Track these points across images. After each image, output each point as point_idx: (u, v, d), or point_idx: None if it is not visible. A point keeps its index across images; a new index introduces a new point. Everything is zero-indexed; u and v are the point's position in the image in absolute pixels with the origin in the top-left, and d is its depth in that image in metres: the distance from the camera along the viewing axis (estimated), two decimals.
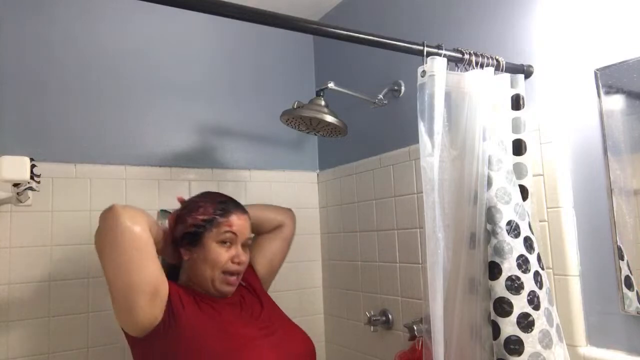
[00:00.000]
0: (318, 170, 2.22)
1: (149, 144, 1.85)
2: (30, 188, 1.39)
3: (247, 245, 1.31)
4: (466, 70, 1.18)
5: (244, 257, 1.26)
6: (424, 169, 1.07)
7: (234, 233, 1.25)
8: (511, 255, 1.06)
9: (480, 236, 1.10)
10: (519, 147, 1.20)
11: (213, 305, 1.22)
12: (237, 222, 1.26)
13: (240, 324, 1.22)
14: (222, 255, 1.23)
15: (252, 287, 1.40)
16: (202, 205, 1.28)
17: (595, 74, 1.15)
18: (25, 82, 1.67)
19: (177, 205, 1.36)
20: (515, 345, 1.03)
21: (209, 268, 1.23)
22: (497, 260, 1.07)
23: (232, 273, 1.24)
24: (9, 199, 1.41)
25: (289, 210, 1.61)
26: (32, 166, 1.29)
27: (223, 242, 1.24)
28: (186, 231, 1.25)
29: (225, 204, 1.29)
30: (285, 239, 1.55)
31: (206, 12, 0.97)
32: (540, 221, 1.23)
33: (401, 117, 1.72)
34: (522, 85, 1.24)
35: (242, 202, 1.36)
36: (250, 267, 1.45)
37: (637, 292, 1.08)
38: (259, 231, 1.50)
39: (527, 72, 1.28)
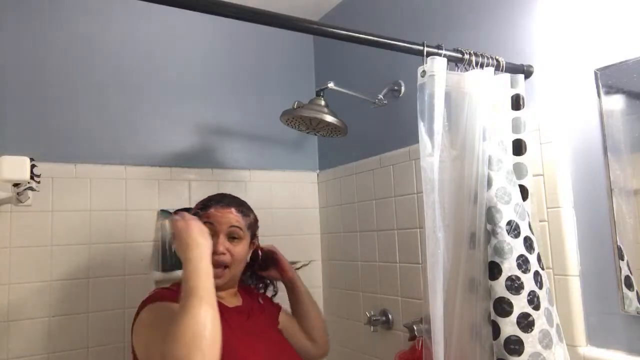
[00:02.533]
0: (318, 170, 2.22)
1: (149, 144, 1.85)
2: (30, 188, 1.39)
3: (238, 238, 1.28)
4: (466, 70, 1.18)
5: (222, 247, 1.23)
6: (424, 169, 1.07)
7: (210, 223, 1.24)
8: (511, 255, 1.06)
9: (480, 236, 1.10)
10: (519, 147, 1.20)
11: (222, 313, 1.12)
12: (215, 213, 1.26)
13: (242, 335, 1.19)
14: None
15: (269, 311, 1.39)
16: (197, 203, 1.33)
17: (595, 74, 1.15)
18: (25, 82, 1.67)
19: (177, 205, 1.37)
20: (515, 345, 1.03)
21: None
22: (497, 260, 1.07)
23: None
24: (9, 199, 1.41)
25: (328, 343, 1.53)
26: (32, 166, 1.29)
27: None
28: None
29: (210, 200, 1.31)
30: (306, 352, 1.44)
31: (206, 12, 0.97)
32: (540, 221, 1.23)
33: (401, 117, 1.72)
34: (522, 85, 1.24)
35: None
36: (277, 308, 1.44)
37: (637, 292, 1.08)
38: (299, 319, 1.47)
39: (527, 72, 1.28)
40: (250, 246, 1.35)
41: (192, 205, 1.37)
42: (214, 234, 1.23)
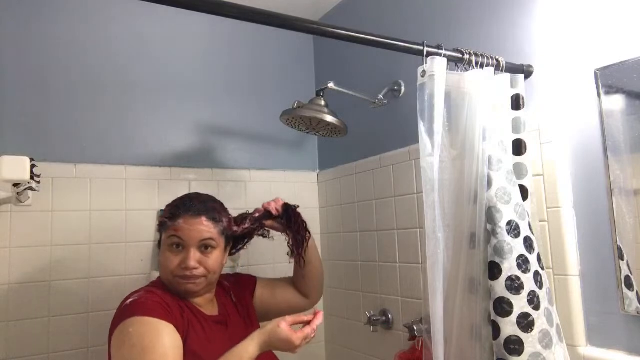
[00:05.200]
0: (318, 170, 2.22)
1: (149, 144, 1.85)
2: (30, 188, 1.39)
3: (211, 247, 1.21)
4: (466, 70, 1.18)
5: (193, 262, 1.16)
6: (424, 169, 1.07)
7: (179, 237, 1.18)
8: (511, 255, 1.06)
9: (480, 236, 1.10)
10: (519, 147, 1.20)
11: (203, 324, 1.18)
12: (184, 227, 1.18)
13: (224, 347, 1.14)
14: (170, 261, 1.18)
15: (244, 307, 1.36)
16: (166, 207, 1.26)
17: (595, 74, 1.15)
18: (25, 82, 1.67)
19: None
20: (515, 345, 1.03)
21: (163, 271, 1.20)
22: (497, 260, 1.07)
23: (183, 277, 1.17)
24: (9, 199, 1.41)
25: (321, 294, 1.55)
26: (32, 166, 1.29)
27: (172, 246, 1.19)
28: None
29: (177, 208, 1.22)
30: (297, 307, 1.44)
31: (206, 12, 0.97)
32: (540, 221, 1.23)
33: (401, 117, 1.72)
34: (522, 85, 1.23)
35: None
36: (251, 288, 1.42)
37: (637, 292, 1.08)
38: (299, 279, 1.46)
39: (527, 72, 1.28)
40: (226, 249, 1.28)
41: None
42: (184, 247, 1.18)
